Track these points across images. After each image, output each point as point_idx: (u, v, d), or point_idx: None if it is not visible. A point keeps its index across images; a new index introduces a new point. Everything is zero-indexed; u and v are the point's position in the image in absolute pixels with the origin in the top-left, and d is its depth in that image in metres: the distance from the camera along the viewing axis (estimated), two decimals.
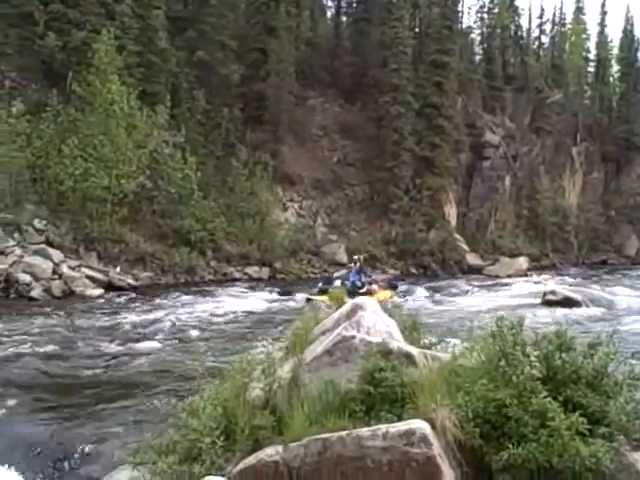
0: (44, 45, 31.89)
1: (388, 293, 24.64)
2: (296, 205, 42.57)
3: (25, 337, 17.27)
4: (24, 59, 32.62)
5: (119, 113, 30.77)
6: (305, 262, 39.13)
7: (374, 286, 24.54)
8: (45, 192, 30.24)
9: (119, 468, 7.57)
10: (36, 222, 29.11)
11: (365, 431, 6.24)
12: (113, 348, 16.38)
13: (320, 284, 24.71)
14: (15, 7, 32.74)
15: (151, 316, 21.57)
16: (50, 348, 15.95)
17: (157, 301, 25.16)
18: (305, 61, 47.02)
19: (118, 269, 29.76)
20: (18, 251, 27.39)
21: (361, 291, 22.69)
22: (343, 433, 6.24)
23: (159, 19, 36.03)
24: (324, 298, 22.21)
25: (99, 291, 26.96)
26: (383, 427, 6.23)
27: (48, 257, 27.42)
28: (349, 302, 8.30)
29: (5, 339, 16.93)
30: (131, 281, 29.30)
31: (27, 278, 25.58)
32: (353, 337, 7.36)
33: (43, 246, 28.16)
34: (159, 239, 32.79)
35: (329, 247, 40.89)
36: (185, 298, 26.07)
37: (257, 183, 38.32)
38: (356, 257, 27.03)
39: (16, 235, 28.24)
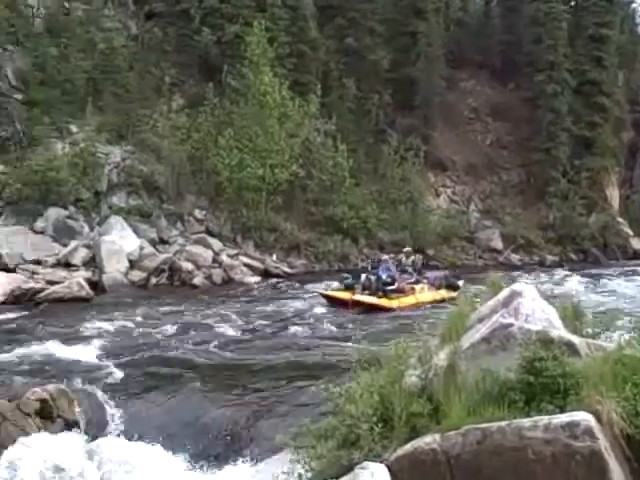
0: (200, 41, 33.17)
1: (441, 293, 21.92)
2: (449, 190, 42.00)
3: (190, 322, 18.13)
4: (182, 56, 34.15)
5: (272, 104, 31.50)
6: (459, 249, 38.56)
7: (405, 284, 21.58)
8: (204, 183, 31.53)
9: (280, 452, 7.77)
10: (197, 212, 30.47)
11: (526, 422, 6.07)
12: (271, 333, 16.87)
13: (349, 279, 22.16)
14: (172, 5, 34.29)
15: (306, 303, 21.99)
16: (211, 333, 16.64)
17: (311, 288, 25.59)
18: (455, 42, 46.09)
19: (274, 257, 30.55)
20: (181, 240, 28.80)
21: (389, 288, 21.01)
22: (503, 423, 6.10)
23: (309, 8, 36.50)
24: (341, 294, 21.29)
25: (256, 278, 27.77)
26: (545, 418, 6.04)
27: (208, 246, 28.63)
28: (507, 288, 8.01)
29: (172, 323, 17.86)
30: (286, 269, 30.00)
31: (189, 266, 26.77)
32: (511, 325, 7.16)
33: (203, 235, 29.46)
34: (312, 227, 33.35)
35: (483, 233, 40.08)
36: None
37: (408, 169, 38.07)
38: (406, 249, 24.58)
39: (179, 225, 29.70)
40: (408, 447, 6.38)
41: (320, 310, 20.52)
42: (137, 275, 25.65)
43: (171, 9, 34.63)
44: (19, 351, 14.38)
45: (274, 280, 27.72)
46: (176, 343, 15.30)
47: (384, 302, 20.53)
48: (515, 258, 39.69)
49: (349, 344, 13.73)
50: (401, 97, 40.24)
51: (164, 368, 12.69)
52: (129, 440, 9.34)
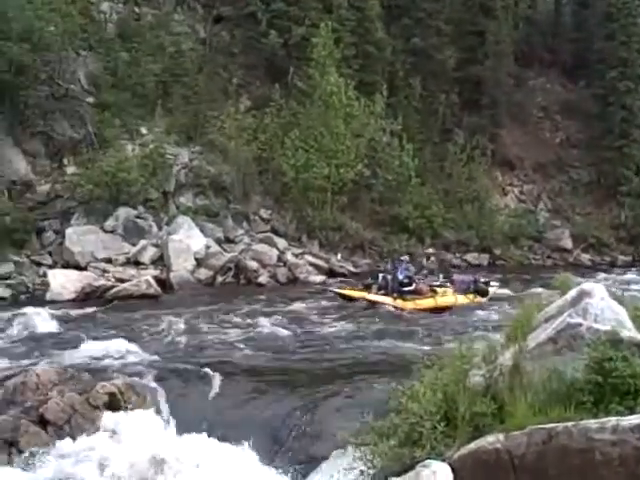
0: (267, 43, 33.44)
1: (467, 298, 21.24)
2: (516, 189, 41.34)
3: (255, 320, 18.31)
4: (249, 58, 34.56)
5: (337, 104, 31.56)
6: (526, 248, 37.91)
7: (425, 286, 21.15)
8: (270, 183, 31.80)
9: (341, 449, 7.78)
10: (262, 212, 30.75)
11: (593, 423, 5.95)
12: (334, 331, 16.90)
13: (370, 278, 22.18)
14: (240, 9, 34.71)
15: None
16: (275, 331, 16.79)
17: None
18: (524, 40, 45.30)
19: (339, 256, 30.58)
20: (246, 239, 29.11)
21: (406, 289, 20.66)
22: (569, 424, 5.99)
23: (375, 9, 36.44)
24: (354, 293, 21.04)
25: (321, 277, 27.82)
26: (613, 419, 5.90)
27: (273, 245, 28.84)
28: (575, 288, 7.85)
29: (237, 321, 18.08)
30: (351, 268, 30.00)
31: (255, 265, 27.02)
32: (579, 325, 7.03)
33: (269, 234, 29.70)
34: (377, 226, 33.27)
35: (553, 233, 39.28)
36: None
37: (475, 168, 37.63)
38: (426, 259, 24.38)
39: (244, 224, 30.02)
40: (471, 446, 6.33)
41: (384, 309, 20.43)
42: (204, 273, 26.03)
43: (239, 12, 35.04)
44: (89, 346, 14.77)
45: (339, 279, 27.74)
46: (241, 341, 15.47)
47: (397, 303, 20.23)
48: (585, 258, 38.78)
49: (410, 343, 13.69)
50: (468, 96, 39.82)
51: (228, 365, 12.83)
52: (194, 434, 9.47)
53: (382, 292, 20.76)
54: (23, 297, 23.85)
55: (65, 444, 9.28)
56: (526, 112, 43.87)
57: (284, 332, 16.85)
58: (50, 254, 26.44)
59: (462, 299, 21.20)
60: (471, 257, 35.32)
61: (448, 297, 21.06)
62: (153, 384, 11.20)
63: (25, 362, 13.19)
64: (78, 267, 25.11)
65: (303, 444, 9.00)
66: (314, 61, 31.90)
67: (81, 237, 26.21)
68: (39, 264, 25.90)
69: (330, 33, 32.02)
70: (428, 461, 6.29)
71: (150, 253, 26.13)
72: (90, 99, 30.36)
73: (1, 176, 27.37)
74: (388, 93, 34.66)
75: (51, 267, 25.38)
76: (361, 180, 32.81)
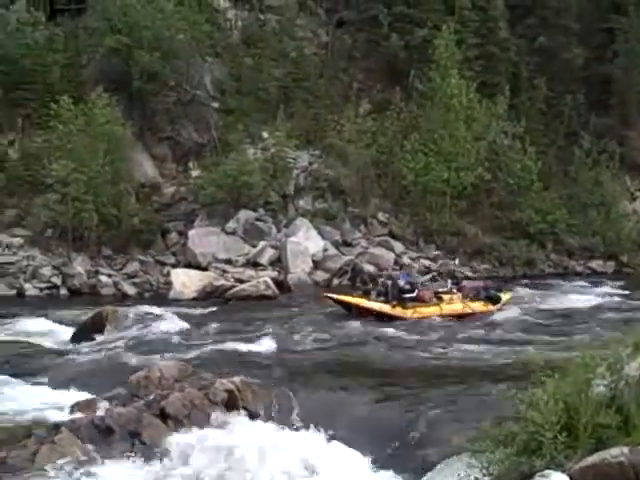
0: (388, 46, 33.43)
1: (476, 305, 20.24)
2: None
3: (369, 323, 18.32)
4: (370, 61, 34.67)
5: (458, 107, 31.15)
6: None
7: (429, 293, 20.15)
8: (388, 186, 31.71)
9: (456, 455, 7.63)
10: (380, 215, 30.70)
11: None
12: (447, 336, 16.68)
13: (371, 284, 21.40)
14: (362, 13, 34.85)
15: None
16: (386, 334, 16.77)
17: None
18: None
19: (457, 261, 30.08)
20: (364, 243, 29.19)
21: (407, 296, 19.51)
22: None
23: (499, 9, 35.73)
24: (349, 299, 19.97)
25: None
26: None
27: (390, 249, 28.84)
28: None
29: (351, 324, 18.12)
30: (469, 273, 29.49)
31: (371, 268, 27.04)
32: None
33: (386, 238, 29.65)
34: (497, 231, 32.52)
35: None
36: (523, 291, 25.52)
37: (602, 172, 36.08)
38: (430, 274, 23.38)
39: (362, 227, 30.08)
40: (593, 458, 6.06)
41: (502, 315, 19.97)
42: (320, 276, 26.31)
43: (361, 16, 35.19)
44: (208, 344, 15.21)
45: None
46: (354, 343, 15.52)
47: (395, 311, 19.25)
48: None
49: (529, 348, 13.32)
50: (595, 97, 38.28)
51: (340, 366, 12.92)
52: (307, 433, 9.54)
53: (382, 299, 19.70)
54: (147, 295, 24.92)
55: (184, 438, 9.53)
56: None
57: (396, 336, 16.82)
58: (174, 254, 27.47)
59: (472, 306, 20.18)
60: (596, 264, 33.93)
61: (455, 304, 19.99)
62: (270, 383, 11.36)
63: (148, 358, 13.70)
64: (200, 267, 25.95)
65: (418, 449, 8.89)
66: (435, 63, 31.63)
67: (203, 238, 27.05)
68: (163, 264, 26.97)
69: (452, 34, 31.74)
70: (547, 471, 6.06)
71: (269, 255, 26.64)
72: (215, 104, 31.27)
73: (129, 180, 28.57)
74: (511, 95, 33.87)
75: (174, 267, 26.38)
76: (481, 184, 32.19)
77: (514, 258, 31.81)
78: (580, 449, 6.34)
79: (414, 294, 19.72)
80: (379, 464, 8.79)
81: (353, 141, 30.47)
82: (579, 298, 24.01)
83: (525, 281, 28.66)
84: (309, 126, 31.82)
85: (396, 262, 28.18)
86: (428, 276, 23.42)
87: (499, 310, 20.56)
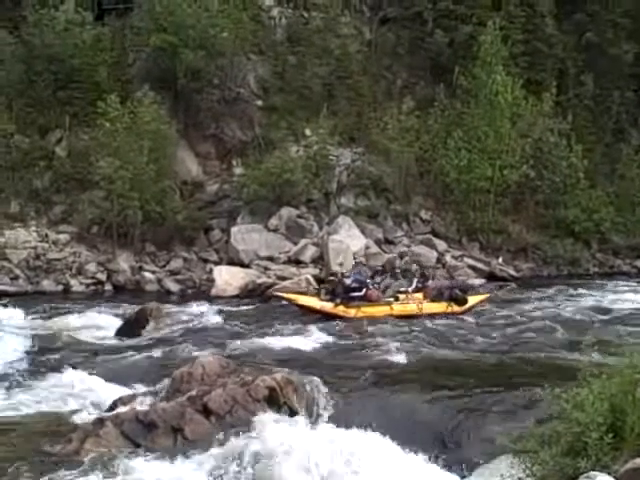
0: (432, 42, 33.22)
1: (437, 306, 19.59)
2: None
3: (410, 322, 18.23)
4: (413, 58, 34.46)
5: (503, 104, 30.84)
6: None
7: (378, 292, 19.70)
8: (431, 184, 31.49)
9: (500, 454, 7.55)
10: (422, 213, 30.52)
11: None
12: (494, 336, 16.52)
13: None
14: (406, 9, 34.67)
15: (533, 307, 21.31)
16: (426, 334, 16.69)
17: (538, 293, 24.78)
18: None
19: (500, 259, 29.80)
20: (406, 241, 29.05)
21: (354, 295, 19.09)
22: None
23: (546, 4, 35.23)
24: (294, 297, 19.85)
25: (480, 281, 27.22)
26: None
27: (433, 247, 28.65)
28: None
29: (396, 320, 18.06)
30: (512, 272, 29.18)
31: (413, 266, 26.85)
32: None
33: (429, 236, 29.45)
34: (541, 230, 32.09)
35: None
36: (568, 291, 25.18)
37: None
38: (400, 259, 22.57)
39: (404, 225, 29.92)
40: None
41: (549, 314, 19.71)
42: None
43: (405, 13, 35.00)
44: (250, 341, 15.28)
45: (498, 283, 27.07)
46: (396, 341, 15.44)
47: (337, 310, 18.90)
48: None
49: (581, 350, 13.12)
50: None
51: (383, 364, 12.88)
52: (349, 430, 9.51)
53: (329, 297, 19.47)
54: (190, 292, 25.16)
55: (226, 434, 9.56)
56: None
57: (436, 334, 16.81)
58: (216, 251, 27.65)
59: (432, 307, 19.54)
60: None
61: (409, 305, 19.40)
62: (312, 380, 11.34)
63: (191, 354, 13.83)
64: (242, 264, 26.09)
65: (462, 448, 8.83)
66: (480, 60, 31.37)
67: (245, 235, 27.17)
68: (206, 261, 27.18)
69: (498, 31, 31.43)
70: (593, 473, 5.95)
71: (310, 252, 26.65)
72: (258, 102, 31.39)
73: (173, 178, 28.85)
74: (557, 91, 33.39)
75: (217, 264, 26.56)
76: (526, 182, 31.80)
77: (558, 257, 31.40)
78: (626, 451, 6.22)
79: (361, 293, 19.32)
80: (423, 463, 8.72)
81: (396, 138, 30.30)
82: (624, 298, 23.60)
83: (568, 281, 28.22)
84: (352, 123, 31.75)
85: (438, 260, 28.00)
86: (385, 274, 22.80)
87: (466, 312, 19.85)
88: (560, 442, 6.53)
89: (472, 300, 20.39)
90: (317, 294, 20.35)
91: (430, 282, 20.74)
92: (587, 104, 35.56)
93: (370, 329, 17.30)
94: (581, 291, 25.20)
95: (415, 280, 20.63)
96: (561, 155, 32.35)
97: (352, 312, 18.90)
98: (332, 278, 21.30)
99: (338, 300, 19.09)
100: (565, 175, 32.17)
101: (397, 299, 19.64)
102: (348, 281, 19.51)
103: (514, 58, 32.88)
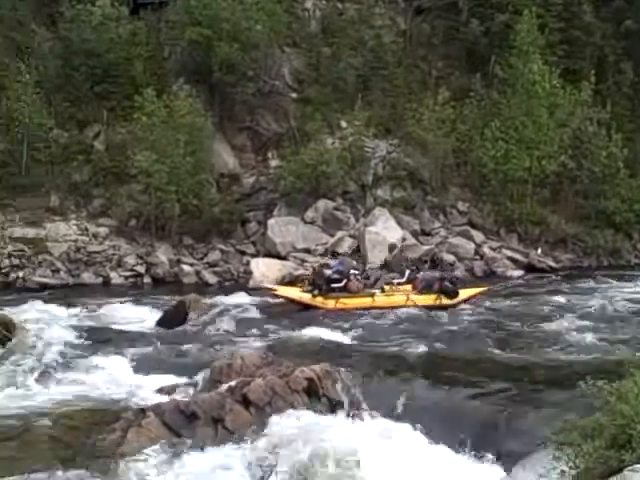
0: (468, 32, 32.95)
1: (425, 298, 19.04)
2: None
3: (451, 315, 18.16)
4: (449, 48, 34.24)
5: (541, 93, 30.53)
6: None
7: (359, 284, 19.14)
8: (468, 175, 31.28)
9: (543, 446, 7.49)
10: (459, 204, 30.34)
11: None
12: (537, 328, 16.42)
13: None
14: None
15: (574, 299, 21.06)
16: (469, 327, 16.58)
17: (579, 284, 24.50)
18: None
19: (539, 251, 29.52)
20: (443, 232, 28.94)
21: (335, 286, 18.75)
22: None
23: None
24: (277, 287, 19.92)
25: (519, 272, 27.10)
26: None
27: (470, 238, 28.49)
28: None
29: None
30: (551, 263, 28.90)
31: (451, 258, 26.77)
32: None
33: (466, 227, 29.28)
34: (581, 220, 31.71)
35: None
36: (608, 282, 24.83)
37: None
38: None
39: (441, 217, 29.79)
40: None
41: (590, 306, 19.48)
42: None
43: (439, 2, 34.79)
44: (288, 333, 15.36)
45: (538, 274, 26.80)
46: (433, 334, 15.43)
47: (315, 301, 18.65)
48: None
49: (626, 341, 13.00)
50: None
51: (422, 358, 12.82)
52: (389, 423, 9.51)
53: (310, 288, 19.13)
54: (227, 284, 25.35)
55: (266, 425, 9.61)
56: None
57: (478, 327, 16.71)
58: (253, 244, 27.81)
59: (418, 300, 18.96)
60: None
61: (394, 297, 18.96)
62: (351, 372, 11.35)
63: (229, 345, 13.96)
64: (279, 256, 26.22)
65: (504, 440, 8.74)
66: (517, 49, 31.09)
67: (282, 228, 27.29)
68: (243, 253, 27.35)
69: (534, 19, 31.10)
70: (637, 466, 5.87)
71: (347, 244, 26.70)
72: (293, 94, 31.45)
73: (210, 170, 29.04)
74: (596, 80, 32.87)
75: (254, 256, 26.71)
76: (564, 172, 31.43)
77: (599, 248, 30.98)
78: None
79: (341, 284, 19.00)
80: (465, 456, 8.67)
81: (432, 129, 30.14)
82: None
83: (609, 272, 27.82)
84: (387, 115, 31.71)
85: (476, 252, 27.86)
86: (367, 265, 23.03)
87: (458, 305, 19.41)
88: (603, 434, 6.45)
89: (465, 293, 19.86)
90: (301, 285, 20.04)
91: (419, 274, 20.02)
92: (626, 92, 35.02)
93: (400, 317, 17.38)
94: (622, 283, 24.82)
95: (407, 272, 20.07)
96: (600, 144, 31.91)
97: (330, 303, 18.72)
98: (314, 268, 21.26)
99: (316, 291, 18.91)
100: (604, 165, 31.72)
101: (383, 290, 19.34)
102: (328, 272, 19.31)
103: (551, 47, 32.50)
